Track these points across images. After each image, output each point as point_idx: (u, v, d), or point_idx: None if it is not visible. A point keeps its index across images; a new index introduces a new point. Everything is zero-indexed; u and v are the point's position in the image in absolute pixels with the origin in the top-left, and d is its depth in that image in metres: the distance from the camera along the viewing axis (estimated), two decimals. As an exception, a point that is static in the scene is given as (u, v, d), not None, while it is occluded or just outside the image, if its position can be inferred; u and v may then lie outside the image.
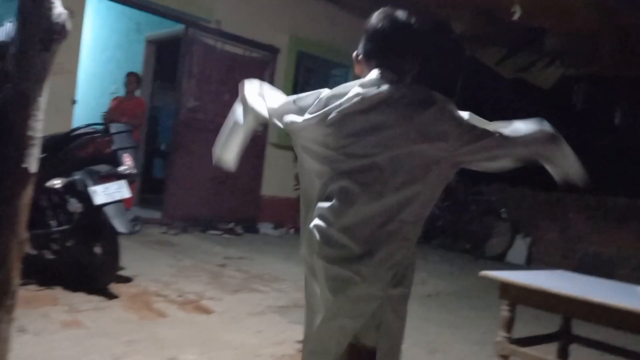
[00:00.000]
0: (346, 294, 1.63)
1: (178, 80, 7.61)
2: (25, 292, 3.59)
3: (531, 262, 8.35)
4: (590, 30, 7.23)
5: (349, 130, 1.62)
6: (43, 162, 2.94)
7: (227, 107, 7.69)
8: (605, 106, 8.03)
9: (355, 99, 1.62)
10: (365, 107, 1.61)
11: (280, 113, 1.82)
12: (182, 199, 7.57)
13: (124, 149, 4.16)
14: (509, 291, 2.81)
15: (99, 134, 4.22)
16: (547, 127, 1.81)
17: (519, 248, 8.42)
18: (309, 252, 1.73)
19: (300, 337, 3.42)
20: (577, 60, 7.83)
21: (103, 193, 3.85)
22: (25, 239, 1.78)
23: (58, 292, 3.80)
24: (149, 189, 9.17)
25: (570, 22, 7.10)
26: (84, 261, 4.02)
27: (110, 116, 6.92)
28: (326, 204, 1.65)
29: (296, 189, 8.70)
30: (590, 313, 2.52)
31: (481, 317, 4.66)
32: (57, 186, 3.87)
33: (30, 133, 1.70)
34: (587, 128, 8.14)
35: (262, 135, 8.42)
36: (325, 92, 1.70)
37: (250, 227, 7.93)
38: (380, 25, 1.69)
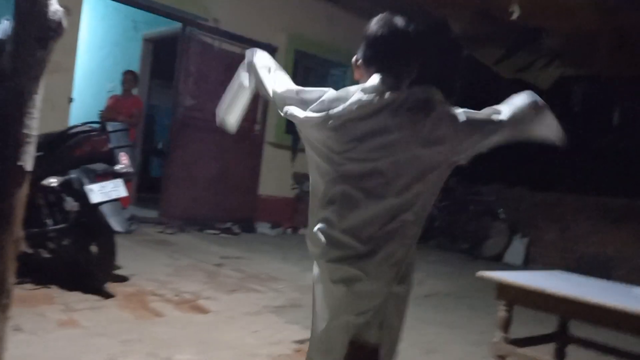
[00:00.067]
0: (351, 290, 1.68)
1: (175, 79, 7.59)
2: (21, 291, 3.58)
3: (529, 263, 8.36)
4: (589, 30, 7.23)
5: (351, 136, 1.66)
6: (39, 161, 2.92)
7: (225, 106, 7.44)
8: (604, 106, 8.04)
9: (356, 106, 1.65)
10: (366, 113, 1.65)
11: (281, 98, 1.86)
12: (179, 198, 7.55)
13: (121, 147, 4.15)
14: (506, 292, 2.81)
15: (95, 133, 4.21)
16: (532, 98, 1.89)
17: (517, 248, 8.43)
18: (315, 253, 1.78)
19: (297, 337, 3.44)
20: (576, 61, 7.84)
21: (99, 192, 3.83)
22: (21, 238, 1.77)
23: (54, 291, 3.78)
24: (146, 188, 9.16)
25: (568, 22, 7.11)
26: (80, 260, 4.01)
27: (107, 114, 6.90)
28: (329, 208, 1.71)
29: (294, 189, 8.70)
30: (588, 314, 2.52)
31: (479, 317, 4.66)
32: (53, 184, 3.85)
33: (26, 131, 1.69)
34: (585, 128, 8.15)
35: (259, 134, 8.41)
36: (328, 93, 1.73)
37: (248, 227, 7.91)
38: (380, 32, 1.72)
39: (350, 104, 1.65)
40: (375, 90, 1.65)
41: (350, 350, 1.76)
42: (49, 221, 3.97)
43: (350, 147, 1.67)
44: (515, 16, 6.57)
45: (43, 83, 1.72)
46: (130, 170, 4.14)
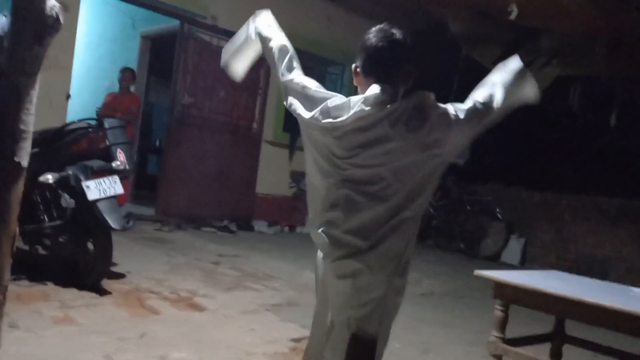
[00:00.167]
0: (355, 283, 1.78)
1: (173, 77, 7.58)
2: (17, 288, 3.57)
3: (526, 263, 8.36)
4: (588, 30, 7.24)
5: (353, 144, 1.75)
6: (36, 157, 2.91)
7: (222, 103, 7.68)
8: (602, 107, 8.04)
9: (358, 117, 1.73)
10: (367, 125, 1.73)
11: (286, 87, 1.94)
12: (176, 195, 7.54)
13: (118, 144, 4.14)
14: (503, 291, 2.81)
15: (92, 129, 4.20)
16: (515, 68, 1.99)
17: (514, 248, 8.43)
18: (320, 253, 1.90)
19: (294, 335, 3.43)
20: (574, 61, 7.84)
21: (96, 188, 3.82)
22: (17, 234, 1.76)
23: (50, 288, 3.78)
24: (143, 185, 9.14)
25: (567, 22, 7.11)
26: (76, 257, 4.00)
27: (104, 111, 6.89)
28: (333, 211, 1.80)
29: (291, 187, 8.70)
30: (584, 314, 2.52)
31: (475, 317, 4.66)
32: (49, 181, 3.83)
33: (22, 127, 1.68)
34: (583, 128, 8.16)
35: (257, 132, 8.41)
36: (332, 100, 1.79)
37: (245, 225, 7.91)
38: (379, 44, 1.80)
39: (353, 116, 1.73)
40: (375, 102, 1.73)
41: (351, 344, 1.83)
42: (45, 218, 3.95)
43: (354, 153, 1.76)
44: (513, 16, 6.58)
45: (40, 79, 1.71)
46: (127, 167, 4.13)
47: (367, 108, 1.72)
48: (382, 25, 1.86)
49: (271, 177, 8.52)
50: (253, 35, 2.09)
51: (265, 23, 2.09)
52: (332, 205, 1.80)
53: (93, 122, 4.34)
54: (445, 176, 8.88)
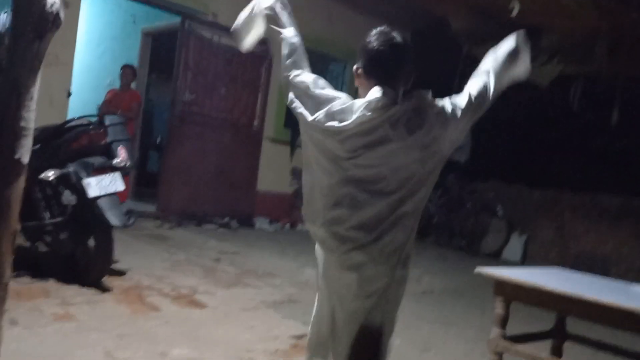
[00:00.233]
0: (360, 274, 1.86)
1: (174, 74, 7.56)
2: (17, 285, 3.57)
3: (526, 260, 8.36)
4: (588, 28, 7.22)
5: (356, 145, 1.83)
6: (36, 154, 2.91)
7: (223, 101, 7.66)
8: (602, 105, 8.03)
9: (360, 122, 1.80)
10: (369, 128, 1.81)
11: (289, 83, 1.97)
12: (177, 192, 7.54)
13: (119, 141, 4.13)
14: (503, 288, 2.81)
15: (93, 126, 4.20)
16: (506, 48, 2.14)
17: (515, 245, 8.43)
18: (324, 249, 1.96)
19: (294, 332, 3.43)
20: (575, 59, 7.83)
21: (97, 185, 3.82)
22: (18, 231, 1.76)
23: (50, 284, 3.78)
24: (143, 182, 9.13)
25: (568, 20, 7.09)
26: (77, 254, 4.00)
27: (105, 108, 6.88)
28: (337, 209, 1.87)
29: (292, 185, 8.69)
30: (585, 311, 2.51)
31: (476, 314, 4.67)
32: (50, 178, 3.83)
33: (22, 123, 1.68)
34: (584, 126, 8.14)
35: (258, 129, 8.40)
36: (337, 103, 1.86)
37: (246, 222, 7.90)
38: (381, 49, 1.88)
39: (356, 120, 1.80)
40: (377, 106, 1.80)
41: (358, 335, 1.90)
42: (46, 215, 3.95)
43: (357, 154, 1.83)
44: (514, 14, 6.56)
45: (40, 76, 1.71)
46: (128, 164, 4.13)
47: (370, 113, 1.80)
48: (382, 28, 1.92)
49: (272, 174, 8.52)
50: (259, 16, 2.14)
51: (278, 6, 2.11)
52: (336, 203, 1.86)
53: (94, 119, 4.34)
54: (446, 174, 8.91)
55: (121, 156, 4.08)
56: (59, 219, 3.91)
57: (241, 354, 3.08)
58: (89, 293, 3.72)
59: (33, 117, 1.71)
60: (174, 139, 7.51)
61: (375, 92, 1.83)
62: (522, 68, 2.15)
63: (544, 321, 3.38)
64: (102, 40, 9.96)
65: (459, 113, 1.90)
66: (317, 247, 2.04)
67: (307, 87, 1.91)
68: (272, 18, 2.08)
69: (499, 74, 2.04)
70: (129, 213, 4.17)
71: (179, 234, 6.50)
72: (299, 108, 1.90)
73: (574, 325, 3.18)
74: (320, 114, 1.85)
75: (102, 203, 3.81)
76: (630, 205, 7.59)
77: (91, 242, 3.98)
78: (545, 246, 8.36)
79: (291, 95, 1.94)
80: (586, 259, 7.74)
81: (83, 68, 8.96)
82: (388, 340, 1.97)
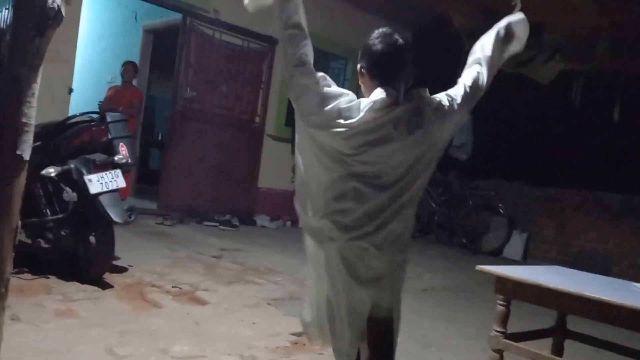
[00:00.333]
0: (365, 263, 1.94)
1: (175, 70, 7.57)
2: (19, 281, 3.58)
3: (528, 258, 8.35)
4: (589, 26, 7.21)
5: (360, 143, 1.89)
6: (38, 150, 2.91)
7: (225, 98, 7.66)
8: (604, 102, 8.01)
9: (365, 120, 1.87)
10: (373, 127, 1.89)
11: (295, 76, 2.00)
12: (178, 189, 7.55)
13: (120, 138, 4.14)
14: (504, 286, 2.80)
15: (94, 123, 4.20)
16: (497, 31, 2.30)
17: (516, 243, 8.42)
18: (327, 238, 1.99)
19: (295, 329, 3.43)
20: (577, 56, 7.81)
21: (98, 182, 3.82)
22: (19, 227, 1.76)
23: (52, 281, 3.78)
24: (145, 179, 9.14)
25: (569, 17, 7.08)
26: (78, 250, 4.01)
27: (106, 105, 6.89)
28: (341, 201, 1.93)
29: (293, 182, 8.68)
30: (586, 309, 2.51)
31: (477, 311, 4.67)
32: (52, 174, 3.84)
33: (24, 120, 1.68)
34: (585, 124, 8.13)
35: (259, 126, 8.40)
36: (344, 100, 1.92)
37: (247, 219, 7.91)
38: (385, 51, 1.95)
39: (361, 119, 1.87)
40: (381, 106, 1.88)
41: (371, 325, 1.99)
42: (47, 211, 3.95)
43: (360, 151, 1.90)
44: (516, 10, 6.54)
45: (42, 72, 1.71)
46: (129, 160, 4.13)
47: (374, 113, 1.88)
48: (385, 30, 1.99)
49: (273, 171, 8.52)
50: None
51: None
52: (341, 196, 1.93)
53: (95, 116, 4.34)
54: (447, 172, 8.91)
55: (122, 153, 4.08)
56: (60, 216, 3.91)
57: (242, 351, 3.08)
58: (90, 289, 3.72)
59: (34, 114, 1.71)
60: (175, 136, 7.52)
61: (380, 93, 1.90)
62: (518, 47, 2.34)
63: (545, 319, 3.38)
64: (104, 37, 9.96)
65: (456, 107, 2.00)
66: (308, 239, 2.13)
67: (315, 82, 1.96)
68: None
69: (493, 59, 2.17)
70: (130, 210, 4.17)
71: (180, 231, 6.51)
72: (304, 104, 1.95)
73: (574, 323, 3.18)
74: (327, 111, 1.90)
75: (103, 200, 3.81)
76: (631, 203, 7.58)
77: (92, 239, 3.98)
78: (546, 244, 8.35)
79: (296, 87, 1.99)
80: (587, 257, 7.74)
81: (84, 65, 8.96)
82: (398, 323, 2.06)
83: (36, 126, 1.77)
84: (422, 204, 8.74)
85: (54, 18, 1.67)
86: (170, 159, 7.55)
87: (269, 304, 4.05)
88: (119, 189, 3.97)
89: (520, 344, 2.84)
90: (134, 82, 7.66)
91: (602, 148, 7.91)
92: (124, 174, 4.10)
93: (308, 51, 2.05)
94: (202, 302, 3.86)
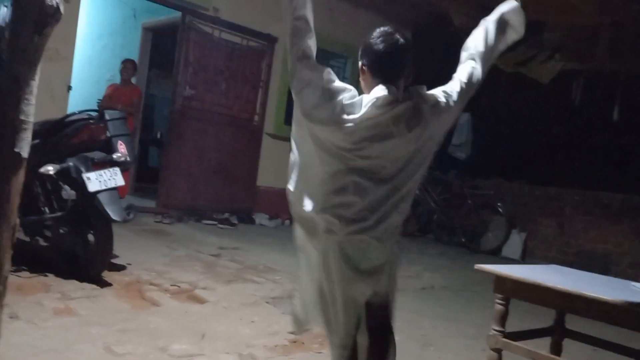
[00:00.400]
0: (366, 254, 1.99)
1: (174, 69, 7.56)
2: (17, 279, 3.58)
3: (527, 257, 8.35)
4: (590, 25, 7.20)
5: (360, 138, 1.94)
6: (36, 148, 2.90)
7: (224, 96, 7.66)
8: (604, 101, 8.01)
9: (367, 116, 1.91)
10: (375, 123, 1.93)
11: (298, 69, 2.04)
12: (177, 188, 7.54)
13: (119, 136, 4.14)
14: (503, 285, 2.80)
15: (93, 121, 4.19)
16: (491, 23, 2.33)
17: (515, 242, 8.42)
18: (327, 230, 2.01)
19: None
20: (577, 55, 7.81)
21: (97, 180, 3.82)
22: (18, 225, 1.76)
23: (50, 279, 3.78)
24: (144, 177, 9.13)
25: (569, 16, 7.07)
26: (77, 249, 4.00)
27: (105, 103, 6.88)
28: (343, 197, 1.98)
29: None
30: (585, 308, 2.51)
31: (475, 310, 4.67)
32: (50, 172, 3.83)
33: (22, 117, 1.68)
34: (585, 123, 8.13)
35: (258, 125, 8.39)
36: (346, 95, 1.96)
37: (246, 218, 7.91)
38: (388, 51, 1.99)
39: (364, 115, 1.91)
40: (383, 103, 1.92)
41: (370, 309, 2.06)
42: (45, 209, 3.95)
43: (361, 147, 1.94)
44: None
45: (40, 70, 1.70)
46: (128, 159, 4.13)
47: (376, 109, 1.92)
48: (386, 29, 2.03)
49: (272, 169, 8.51)
50: None
51: None
52: (341, 189, 1.98)
53: (94, 114, 4.33)
54: (447, 170, 8.91)
55: (121, 151, 4.08)
56: (58, 214, 3.91)
57: (241, 349, 3.08)
58: (89, 287, 3.72)
59: (33, 111, 1.71)
60: (174, 134, 7.52)
61: (381, 90, 1.94)
62: (515, 36, 2.39)
63: (544, 318, 3.38)
64: (103, 35, 9.95)
65: (452, 103, 2.06)
66: (301, 232, 2.17)
67: (319, 77, 2.00)
68: None
69: (487, 51, 2.24)
70: (129, 208, 4.17)
71: (179, 230, 6.50)
72: (307, 98, 1.99)
73: (573, 322, 3.18)
74: (332, 106, 1.94)
75: (102, 198, 3.81)
76: (631, 202, 7.58)
77: (91, 237, 3.98)
78: (546, 243, 8.35)
79: (300, 80, 2.02)
80: (586, 257, 7.74)
81: (83, 62, 8.95)
82: (393, 310, 2.16)
83: (35, 124, 1.77)
84: (422, 203, 8.75)
85: (53, 16, 1.66)
86: (169, 157, 7.54)
87: (267, 302, 4.05)
88: (117, 187, 3.96)
89: (519, 343, 2.84)
90: (133, 80, 7.65)
91: (602, 147, 7.91)
92: (123, 172, 4.09)
93: (312, 45, 2.08)
94: (200, 301, 3.86)
